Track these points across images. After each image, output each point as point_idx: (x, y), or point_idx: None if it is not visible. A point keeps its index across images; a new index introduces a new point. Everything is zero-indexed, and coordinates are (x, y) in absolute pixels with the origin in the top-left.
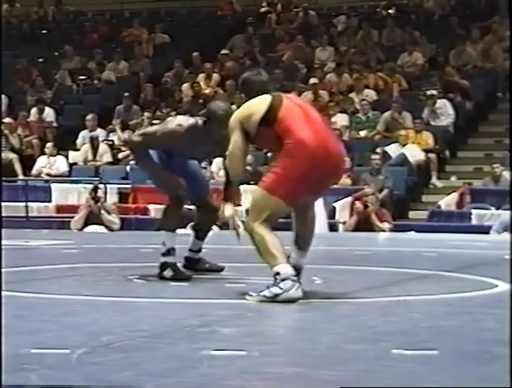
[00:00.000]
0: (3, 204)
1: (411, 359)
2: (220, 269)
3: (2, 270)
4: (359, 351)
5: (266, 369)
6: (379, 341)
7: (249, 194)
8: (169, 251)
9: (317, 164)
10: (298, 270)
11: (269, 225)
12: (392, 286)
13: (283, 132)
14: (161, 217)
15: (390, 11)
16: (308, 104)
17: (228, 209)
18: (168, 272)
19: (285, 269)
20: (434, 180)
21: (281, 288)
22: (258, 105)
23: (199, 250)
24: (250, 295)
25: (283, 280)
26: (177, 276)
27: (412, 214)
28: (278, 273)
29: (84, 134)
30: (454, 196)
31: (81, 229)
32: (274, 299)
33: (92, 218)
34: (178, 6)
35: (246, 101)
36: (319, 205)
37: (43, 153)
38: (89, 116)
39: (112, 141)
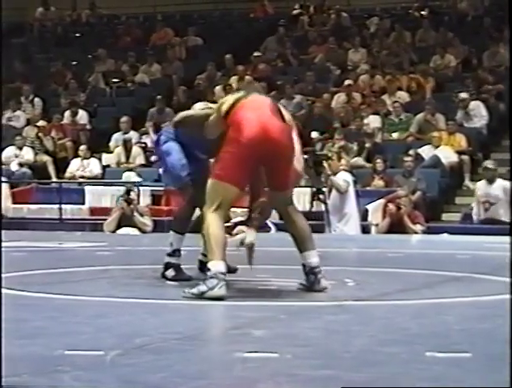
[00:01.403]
0: (38, 206)
1: (444, 361)
2: (235, 270)
3: (37, 272)
4: (392, 353)
5: (299, 371)
6: (412, 343)
7: None
8: (175, 252)
9: (255, 146)
10: (313, 270)
11: (222, 213)
12: (425, 288)
13: (230, 124)
14: (172, 218)
15: (423, 13)
16: (270, 101)
17: (250, 235)
18: (170, 272)
19: (215, 266)
20: (467, 182)
21: (207, 286)
22: (229, 99)
23: None
24: (184, 292)
25: (210, 277)
26: (178, 276)
27: (445, 216)
28: (209, 269)
29: (117, 136)
30: None
31: (114, 232)
32: (201, 296)
33: (125, 220)
34: (210, 9)
35: None
36: (352, 207)
37: (76, 156)
38: (123, 119)
39: (145, 143)
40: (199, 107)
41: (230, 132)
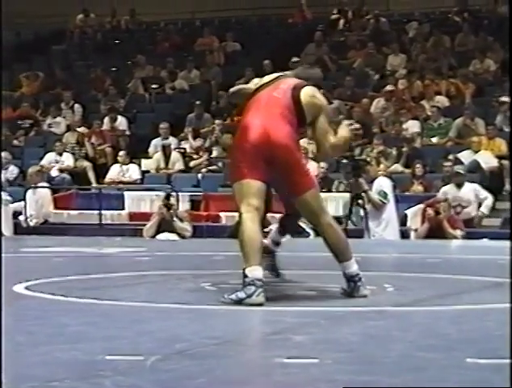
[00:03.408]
0: (78, 211)
1: (485, 367)
2: (278, 275)
3: (77, 277)
4: (432, 359)
5: (339, 376)
6: (452, 349)
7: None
8: None
9: (258, 150)
10: (353, 278)
11: (253, 213)
12: (465, 294)
13: (239, 125)
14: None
15: (462, 17)
16: (279, 101)
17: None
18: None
19: (252, 272)
20: (507, 187)
21: (245, 293)
22: (264, 79)
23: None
24: (223, 297)
25: (248, 284)
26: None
27: (485, 221)
28: (246, 276)
29: (156, 142)
30: None
31: (153, 237)
32: (239, 303)
33: (164, 226)
34: (248, 14)
35: None
36: (391, 212)
37: (116, 162)
38: (162, 125)
39: (184, 149)
40: (255, 83)
41: (236, 137)
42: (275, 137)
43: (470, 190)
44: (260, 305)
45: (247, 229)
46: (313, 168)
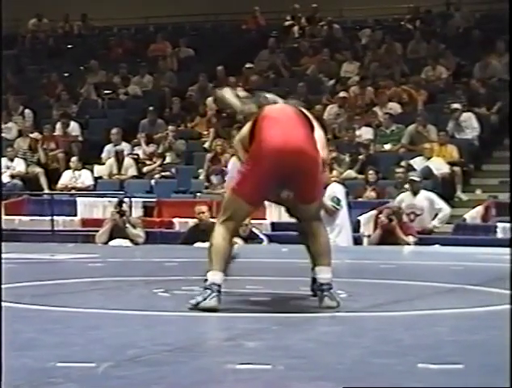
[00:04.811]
0: (29, 218)
1: (437, 373)
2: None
3: (29, 283)
4: (386, 365)
5: (292, 383)
6: (405, 355)
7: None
8: None
9: (276, 160)
10: (320, 286)
11: (231, 225)
12: (418, 300)
13: (254, 136)
14: None
15: (415, 24)
16: (290, 111)
17: None
18: None
19: (212, 277)
20: (458, 193)
21: (202, 297)
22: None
23: None
24: (189, 303)
25: (206, 288)
26: None
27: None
28: (206, 280)
29: (109, 148)
30: (479, 210)
31: (106, 243)
32: (197, 307)
33: (117, 232)
34: (202, 20)
35: None
36: (344, 218)
37: (68, 168)
38: (113, 130)
39: (137, 154)
40: (242, 95)
41: (253, 145)
42: (298, 144)
43: (425, 198)
44: (212, 308)
45: (217, 236)
46: None
